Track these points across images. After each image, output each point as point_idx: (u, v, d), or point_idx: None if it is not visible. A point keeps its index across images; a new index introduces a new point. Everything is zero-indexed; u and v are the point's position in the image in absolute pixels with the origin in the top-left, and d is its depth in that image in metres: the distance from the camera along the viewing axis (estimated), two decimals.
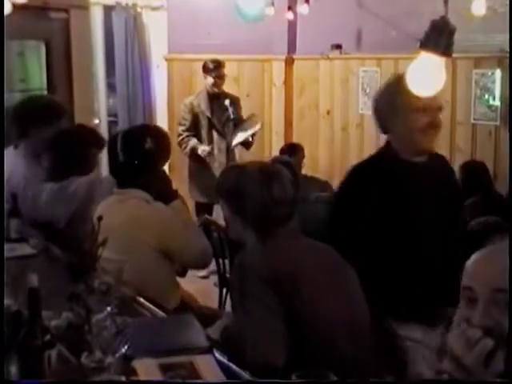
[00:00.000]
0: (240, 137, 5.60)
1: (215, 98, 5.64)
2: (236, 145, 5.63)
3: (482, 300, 1.34)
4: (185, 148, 5.61)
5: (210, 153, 5.57)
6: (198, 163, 5.66)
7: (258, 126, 5.70)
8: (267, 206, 2.15)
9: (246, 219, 2.20)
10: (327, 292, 2.12)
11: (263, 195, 2.16)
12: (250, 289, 2.04)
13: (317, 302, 2.06)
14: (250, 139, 5.63)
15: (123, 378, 1.75)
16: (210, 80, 5.62)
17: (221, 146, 5.65)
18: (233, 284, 2.17)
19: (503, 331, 1.28)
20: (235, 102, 5.71)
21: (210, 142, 5.63)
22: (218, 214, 5.67)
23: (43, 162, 3.46)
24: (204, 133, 5.63)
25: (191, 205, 5.81)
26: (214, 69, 5.59)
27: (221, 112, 5.63)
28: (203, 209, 5.61)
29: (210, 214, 5.60)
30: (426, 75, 1.95)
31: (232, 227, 2.29)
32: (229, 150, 5.66)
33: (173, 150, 5.78)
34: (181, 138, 5.61)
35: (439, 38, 1.93)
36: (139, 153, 2.88)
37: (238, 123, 5.62)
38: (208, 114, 5.61)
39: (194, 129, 5.62)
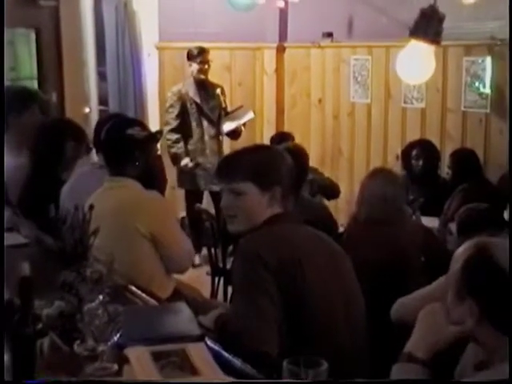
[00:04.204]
0: (233, 124, 5.62)
1: (202, 85, 5.66)
2: (228, 131, 5.64)
3: None
4: (170, 150, 5.55)
5: (191, 168, 5.57)
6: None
7: (251, 115, 5.73)
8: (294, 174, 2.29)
9: (276, 193, 2.20)
10: (327, 280, 2.13)
11: (290, 165, 2.28)
12: (254, 276, 2.02)
13: (317, 290, 2.07)
14: (243, 128, 5.66)
15: (115, 366, 1.76)
16: (196, 67, 5.62)
17: (211, 133, 5.66)
18: (235, 269, 2.14)
19: None
20: (222, 90, 5.75)
21: (200, 128, 5.62)
22: (209, 202, 5.71)
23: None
24: (193, 120, 5.62)
25: (180, 194, 5.84)
26: (198, 55, 5.59)
27: (209, 99, 5.66)
28: (193, 197, 5.63)
29: (200, 201, 5.64)
30: (416, 63, 1.94)
31: (251, 208, 2.22)
32: (219, 137, 5.68)
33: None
34: (168, 139, 5.53)
35: (428, 25, 1.92)
36: (120, 142, 2.87)
37: (227, 111, 5.70)
38: (197, 100, 5.61)
39: (181, 116, 5.59)
